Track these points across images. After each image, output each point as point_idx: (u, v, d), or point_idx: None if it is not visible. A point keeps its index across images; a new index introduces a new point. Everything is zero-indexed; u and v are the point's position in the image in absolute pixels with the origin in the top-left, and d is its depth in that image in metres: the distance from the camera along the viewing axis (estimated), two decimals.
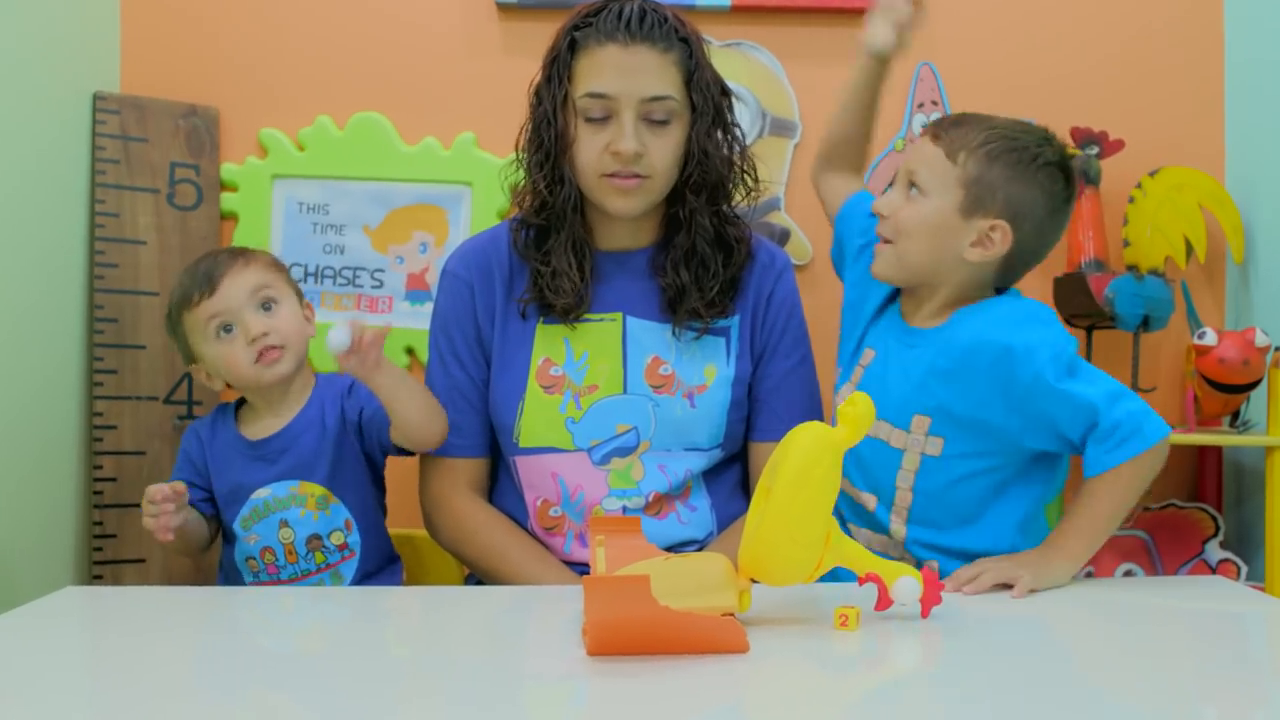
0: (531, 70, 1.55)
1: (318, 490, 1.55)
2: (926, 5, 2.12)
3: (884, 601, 1.15)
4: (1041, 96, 2.09)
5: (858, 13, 2.07)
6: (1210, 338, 1.89)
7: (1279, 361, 1.87)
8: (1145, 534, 2.05)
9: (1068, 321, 2.04)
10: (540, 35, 1.59)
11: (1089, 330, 2.07)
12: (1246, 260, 2.07)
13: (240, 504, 1.55)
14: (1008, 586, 1.29)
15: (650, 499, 1.53)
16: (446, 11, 2.11)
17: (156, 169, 1.99)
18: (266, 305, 1.54)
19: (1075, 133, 2.04)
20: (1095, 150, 2.04)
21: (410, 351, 2.07)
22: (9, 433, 1.69)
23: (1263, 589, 1.83)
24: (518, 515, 1.58)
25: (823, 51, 2.11)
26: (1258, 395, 1.92)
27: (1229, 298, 2.14)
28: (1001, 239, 1.38)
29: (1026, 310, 1.40)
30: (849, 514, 1.49)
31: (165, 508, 1.45)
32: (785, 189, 2.12)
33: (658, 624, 1.02)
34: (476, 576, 1.61)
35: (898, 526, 1.43)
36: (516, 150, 1.57)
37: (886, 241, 1.43)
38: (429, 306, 1.78)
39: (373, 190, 2.08)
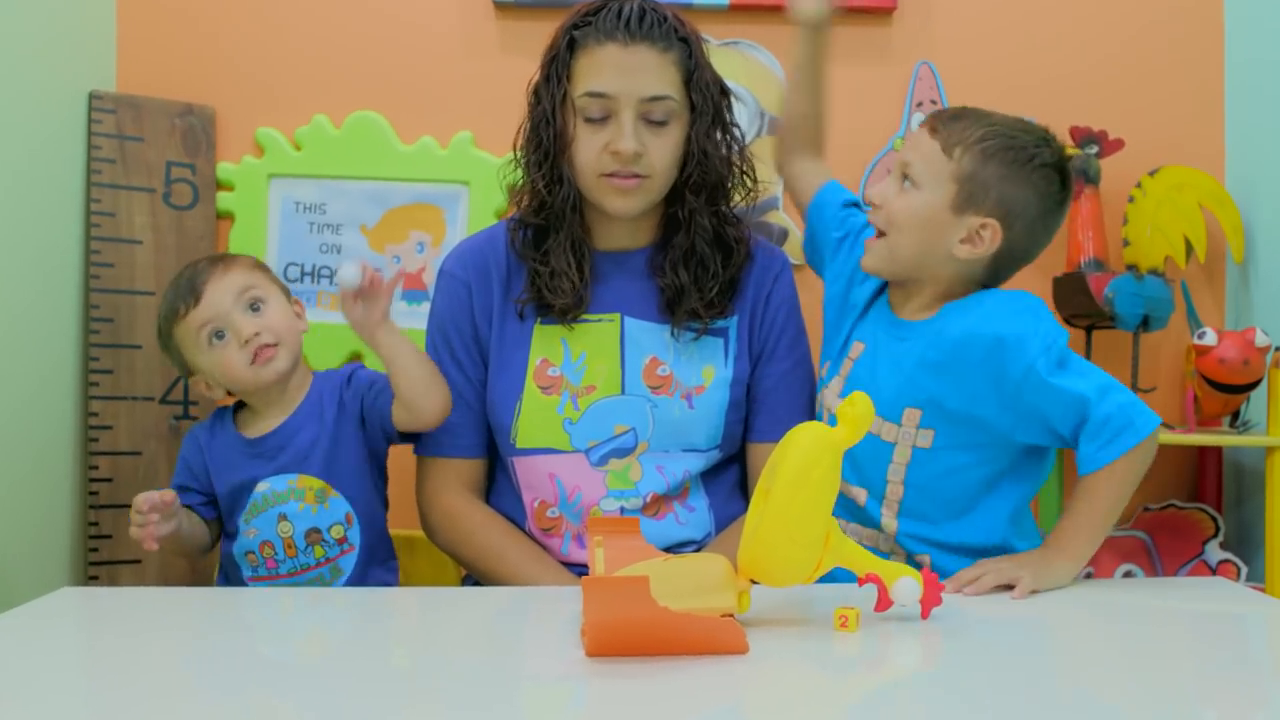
0: (529, 69, 1.54)
1: (316, 484, 1.54)
2: (926, 5, 2.13)
3: (884, 602, 1.15)
4: (1041, 96, 2.08)
5: (856, 12, 2.07)
6: (1210, 338, 1.89)
7: (1279, 361, 1.87)
8: (1145, 535, 2.05)
9: (1067, 321, 2.03)
10: (538, 34, 1.58)
11: (1089, 330, 2.06)
12: (1246, 260, 2.07)
13: (242, 502, 1.55)
14: (1009, 587, 1.29)
15: (648, 500, 1.53)
16: (444, 10, 2.11)
17: (152, 168, 1.98)
18: (254, 305, 1.54)
19: (1075, 132, 2.03)
20: (1095, 150, 2.03)
21: None
22: (4, 433, 1.68)
23: (1263, 590, 1.83)
24: (515, 516, 1.58)
25: None
26: (1258, 395, 1.92)
27: (1229, 298, 2.14)
28: (991, 238, 1.37)
29: (1017, 301, 1.39)
30: (838, 510, 1.48)
31: (151, 518, 1.44)
32: (783, 188, 2.11)
33: (657, 625, 1.01)
34: (474, 578, 1.61)
35: (889, 520, 1.42)
36: (514, 150, 1.56)
37: (880, 233, 1.42)
38: (426, 306, 1.77)
39: (370, 190, 2.07)
